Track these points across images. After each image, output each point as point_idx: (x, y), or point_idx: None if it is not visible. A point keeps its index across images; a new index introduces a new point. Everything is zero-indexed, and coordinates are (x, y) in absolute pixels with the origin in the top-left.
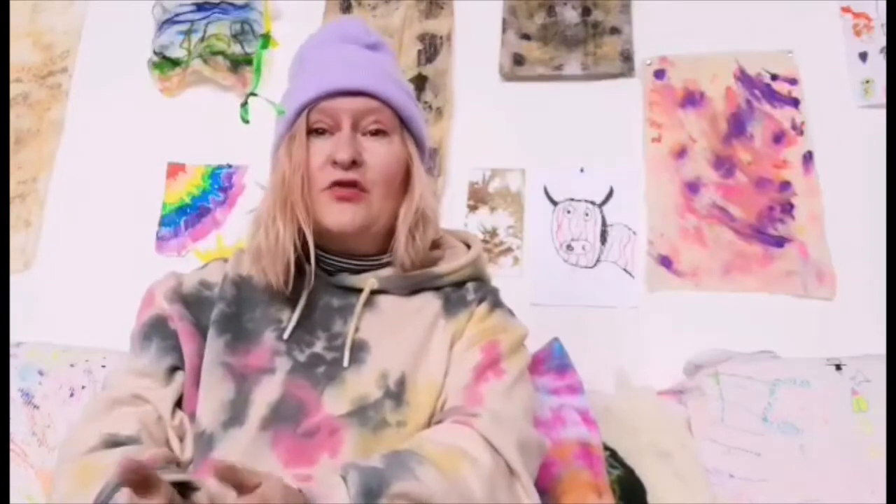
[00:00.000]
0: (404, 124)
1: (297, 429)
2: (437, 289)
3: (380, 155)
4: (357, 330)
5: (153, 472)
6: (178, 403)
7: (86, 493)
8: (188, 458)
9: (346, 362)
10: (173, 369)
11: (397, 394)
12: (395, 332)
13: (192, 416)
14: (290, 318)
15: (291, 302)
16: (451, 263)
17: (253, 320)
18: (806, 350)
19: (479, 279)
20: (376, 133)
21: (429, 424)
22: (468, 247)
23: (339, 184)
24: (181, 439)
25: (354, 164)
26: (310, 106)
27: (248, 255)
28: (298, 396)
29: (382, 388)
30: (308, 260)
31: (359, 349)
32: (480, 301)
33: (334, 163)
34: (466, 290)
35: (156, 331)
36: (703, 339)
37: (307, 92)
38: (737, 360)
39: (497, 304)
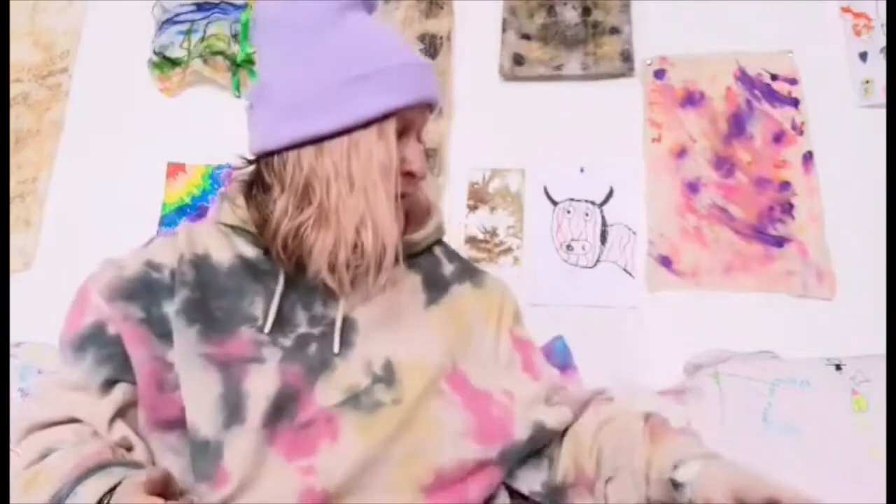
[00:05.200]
0: None
1: (293, 421)
2: (409, 258)
3: (424, 161)
4: (343, 312)
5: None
6: (122, 415)
7: (35, 496)
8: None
9: (336, 348)
10: (111, 382)
11: (386, 376)
12: (377, 310)
13: (162, 425)
14: (268, 313)
15: (263, 291)
16: (424, 230)
17: (222, 310)
18: (806, 350)
19: (440, 240)
20: (418, 138)
21: (421, 402)
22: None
23: (403, 196)
24: (129, 449)
25: None
26: (398, 112)
27: (311, 235)
28: (294, 386)
29: (370, 376)
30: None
31: (349, 330)
32: (460, 280)
33: (408, 172)
34: (438, 261)
35: (91, 341)
36: (703, 339)
37: (397, 94)
38: (737, 360)
39: (472, 274)
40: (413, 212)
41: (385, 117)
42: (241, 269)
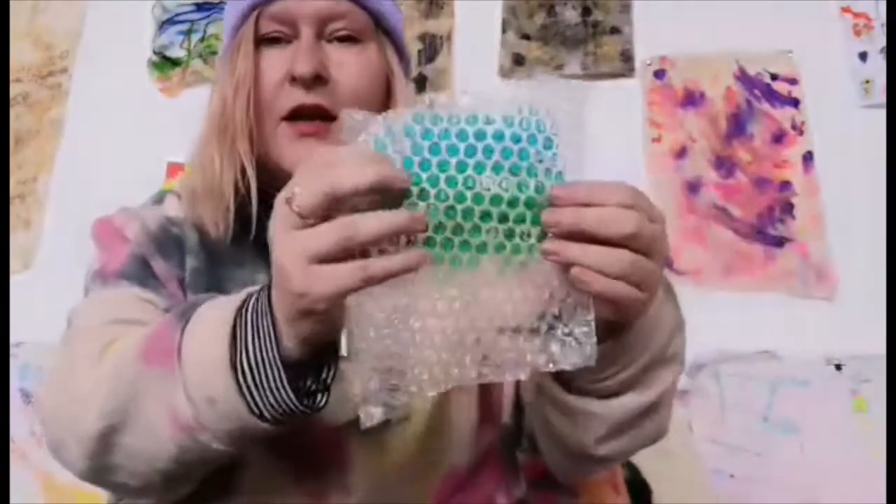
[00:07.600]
0: (380, 26)
1: (299, 437)
2: None
3: (352, 68)
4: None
5: None
6: None
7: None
8: None
9: (344, 351)
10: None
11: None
12: None
13: None
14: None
15: (263, 259)
16: None
17: (223, 284)
18: (806, 350)
19: None
20: (345, 40)
21: (433, 406)
22: None
23: (301, 113)
24: None
25: (319, 79)
26: (258, 8)
27: (183, 198)
28: None
29: None
30: (261, 203)
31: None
32: None
33: (293, 79)
34: None
35: (141, 272)
36: (703, 339)
37: None
38: (737, 360)
39: None
40: None
41: (242, 25)
42: (238, 241)
